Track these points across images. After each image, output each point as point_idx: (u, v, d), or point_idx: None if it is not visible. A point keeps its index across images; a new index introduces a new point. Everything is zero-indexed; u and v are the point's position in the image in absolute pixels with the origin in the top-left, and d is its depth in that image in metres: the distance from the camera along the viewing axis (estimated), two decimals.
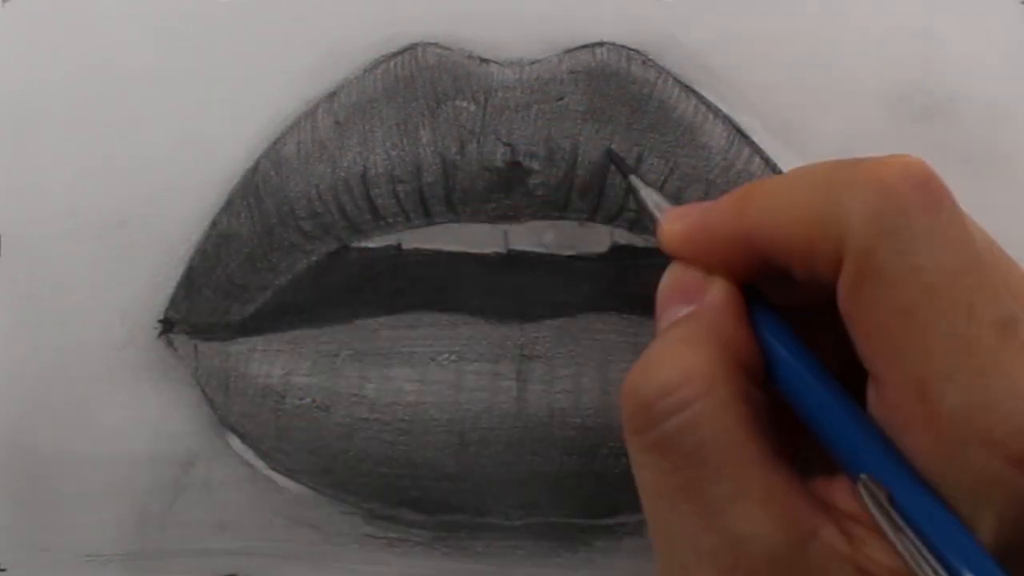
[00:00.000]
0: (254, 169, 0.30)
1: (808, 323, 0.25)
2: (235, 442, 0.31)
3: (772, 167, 0.30)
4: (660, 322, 0.26)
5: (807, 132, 0.31)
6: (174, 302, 0.31)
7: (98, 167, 0.31)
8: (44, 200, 0.31)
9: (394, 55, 0.30)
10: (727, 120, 0.30)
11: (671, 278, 0.26)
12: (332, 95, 0.30)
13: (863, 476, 0.22)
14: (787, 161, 0.31)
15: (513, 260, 0.31)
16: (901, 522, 0.22)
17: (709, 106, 0.30)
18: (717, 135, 0.30)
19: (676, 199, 0.30)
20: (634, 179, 0.28)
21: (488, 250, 0.31)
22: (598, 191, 0.30)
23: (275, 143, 0.30)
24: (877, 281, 0.22)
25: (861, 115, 0.31)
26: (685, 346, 0.24)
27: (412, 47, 0.30)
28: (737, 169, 0.30)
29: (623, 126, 0.30)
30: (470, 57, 0.30)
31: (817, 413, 0.24)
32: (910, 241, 0.22)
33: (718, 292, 0.25)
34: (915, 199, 0.22)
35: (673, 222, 0.26)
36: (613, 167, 0.30)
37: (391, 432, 0.30)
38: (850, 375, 0.24)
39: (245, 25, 0.31)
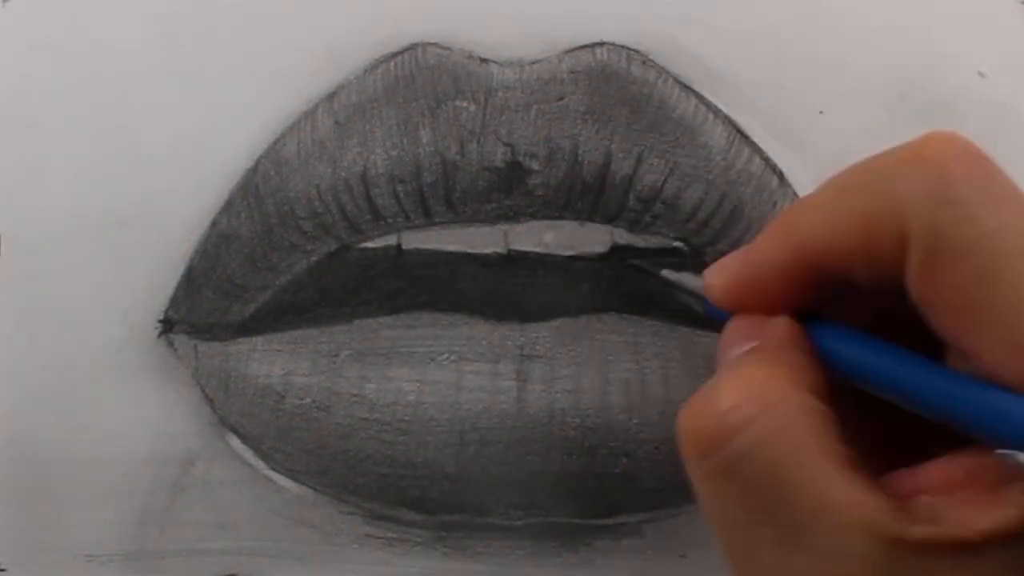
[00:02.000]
0: (254, 169, 0.30)
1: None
2: (235, 442, 0.31)
3: (772, 167, 0.30)
4: (720, 369, 0.25)
5: (807, 132, 0.31)
6: (174, 302, 0.31)
7: (98, 167, 0.31)
8: (44, 200, 0.31)
9: (394, 55, 0.30)
10: (727, 120, 0.30)
11: (728, 330, 0.25)
12: (332, 95, 0.30)
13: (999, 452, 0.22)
14: (787, 161, 0.31)
15: (513, 260, 0.31)
16: None
17: (709, 106, 0.30)
18: (717, 135, 0.30)
19: (676, 199, 0.30)
20: (666, 273, 0.28)
21: (488, 250, 0.31)
22: (598, 191, 0.30)
23: (275, 143, 0.30)
24: (950, 254, 0.22)
25: (861, 115, 0.31)
26: (746, 370, 0.23)
27: (412, 47, 0.30)
28: (737, 169, 0.30)
29: (623, 126, 0.30)
30: (470, 57, 0.30)
31: (928, 396, 0.23)
32: (971, 208, 0.22)
33: (777, 325, 0.24)
34: (964, 168, 0.22)
35: (715, 276, 0.26)
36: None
37: (391, 432, 0.30)
38: None
39: (245, 25, 0.31)
